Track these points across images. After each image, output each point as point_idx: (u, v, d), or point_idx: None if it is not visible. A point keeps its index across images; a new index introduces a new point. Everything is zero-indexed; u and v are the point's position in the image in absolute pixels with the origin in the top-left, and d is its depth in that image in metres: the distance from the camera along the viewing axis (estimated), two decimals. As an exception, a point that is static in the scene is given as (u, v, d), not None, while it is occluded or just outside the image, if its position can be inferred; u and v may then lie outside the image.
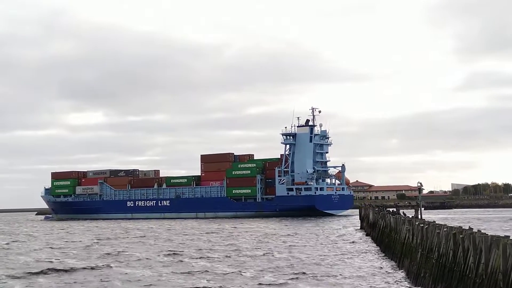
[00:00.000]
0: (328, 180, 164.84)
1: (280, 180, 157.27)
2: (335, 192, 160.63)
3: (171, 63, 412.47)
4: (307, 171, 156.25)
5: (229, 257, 52.79)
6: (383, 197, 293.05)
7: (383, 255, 52.66)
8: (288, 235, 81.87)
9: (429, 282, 31.19)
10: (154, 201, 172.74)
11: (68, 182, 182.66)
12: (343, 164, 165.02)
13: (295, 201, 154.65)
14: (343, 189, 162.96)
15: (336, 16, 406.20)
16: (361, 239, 74.00)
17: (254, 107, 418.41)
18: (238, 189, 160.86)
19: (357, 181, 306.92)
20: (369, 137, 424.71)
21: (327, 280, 39.02)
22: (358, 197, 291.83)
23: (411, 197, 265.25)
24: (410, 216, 49.84)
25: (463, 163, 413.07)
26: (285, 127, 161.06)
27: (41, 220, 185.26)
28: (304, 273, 41.99)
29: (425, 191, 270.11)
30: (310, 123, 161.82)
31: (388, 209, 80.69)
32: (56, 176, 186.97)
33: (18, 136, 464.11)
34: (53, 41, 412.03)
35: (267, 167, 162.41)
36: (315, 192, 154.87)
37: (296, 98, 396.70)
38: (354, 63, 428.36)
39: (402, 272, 40.62)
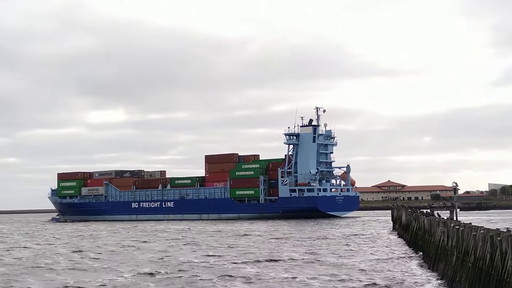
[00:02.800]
0: (333, 181, 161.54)
1: (283, 181, 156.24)
2: (340, 193, 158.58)
3: (193, 58, 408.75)
4: (310, 172, 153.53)
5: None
6: (416, 198, 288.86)
7: (417, 258, 52.54)
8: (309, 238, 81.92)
9: (465, 287, 31.00)
10: (158, 203, 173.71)
11: (74, 183, 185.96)
12: (348, 165, 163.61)
13: (297, 203, 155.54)
14: (348, 190, 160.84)
15: (364, 8, 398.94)
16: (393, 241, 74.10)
17: (279, 104, 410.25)
18: (241, 190, 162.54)
19: (389, 181, 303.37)
20: (401, 135, 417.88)
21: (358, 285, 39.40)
22: (390, 198, 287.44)
23: (446, 197, 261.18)
24: (445, 218, 48.97)
25: (501, 162, 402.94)
26: (288, 127, 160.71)
27: (48, 221, 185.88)
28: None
29: (460, 192, 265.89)
30: (314, 123, 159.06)
31: (421, 210, 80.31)
32: (62, 177, 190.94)
33: (36, 134, 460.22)
34: (71, 36, 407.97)
35: (270, 167, 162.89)
36: (318, 193, 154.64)
37: (322, 95, 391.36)
38: (383, 57, 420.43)
39: (436, 276, 40.48)
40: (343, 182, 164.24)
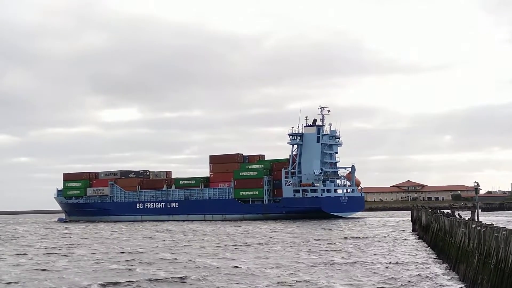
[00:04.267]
0: (339, 181, 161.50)
1: (287, 181, 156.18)
2: (344, 194, 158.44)
3: (208, 55, 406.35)
4: (314, 172, 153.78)
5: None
6: (436, 198, 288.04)
7: (437, 259, 53.02)
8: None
9: (486, 289, 31.07)
10: (163, 203, 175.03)
11: (80, 184, 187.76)
12: (353, 165, 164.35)
13: (301, 203, 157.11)
14: (353, 190, 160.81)
15: (384, 3, 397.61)
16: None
17: (296, 101, 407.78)
18: (246, 190, 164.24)
19: (408, 180, 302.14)
20: (421, 134, 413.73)
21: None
22: (410, 198, 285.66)
23: (467, 198, 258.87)
24: (466, 218, 49.03)
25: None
26: (292, 127, 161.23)
27: (54, 221, 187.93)
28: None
29: (482, 192, 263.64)
30: (319, 122, 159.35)
31: (442, 210, 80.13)
32: (68, 177, 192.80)
33: (49, 133, 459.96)
34: (85, 33, 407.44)
35: (274, 168, 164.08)
36: (322, 194, 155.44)
37: (341, 92, 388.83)
38: (403, 54, 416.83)
39: (457, 278, 40.74)
40: (348, 183, 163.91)
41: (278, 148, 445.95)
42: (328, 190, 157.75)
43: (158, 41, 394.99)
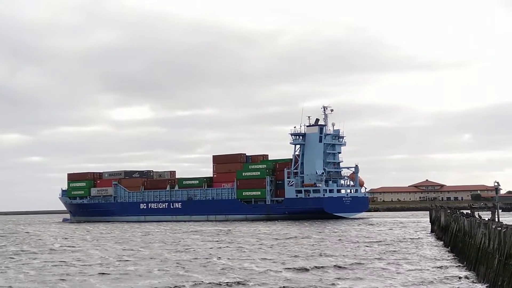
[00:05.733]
0: (342, 182, 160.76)
1: (289, 181, 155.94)
2: (347, 194, 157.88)
3: (222, 52, 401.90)
4: (317, 172, 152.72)
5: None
6: (456, 198, 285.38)
7: (457, 261, 53.13)
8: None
9: (506, 291, 30.93)
10: (166, 204, 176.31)
11: (84, 184, 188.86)
12: (356, 165, 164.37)
13: (303, 204, 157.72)
14: (356, 190, 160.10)
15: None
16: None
17: (313, 99, 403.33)
18: (248, 191, 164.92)
19: (427, 180, 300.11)
20: (440, 132, 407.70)
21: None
22: (428, 198, 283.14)
23: (487, 198, 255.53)
24: (486, 219, 48.36)
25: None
26: (294, 127, 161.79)
27: (59, 222, 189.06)
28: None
29: (503, 191, 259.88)
30: (321, 122, 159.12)
31: (461, 211, 79.15)
32: (72, 178, 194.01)
33: (60, 132, 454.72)
34: (96, 30, 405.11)
35: (277, 168, 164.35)
36: (324, 194, 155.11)
37: (358, 90, 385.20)
38: (422, 50, 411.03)
39: (477, 280, 40.72)
40: (351, 183, 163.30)
41: (291, 148, 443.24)
42: (331, 191, 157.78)
43: (171, 38, 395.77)
